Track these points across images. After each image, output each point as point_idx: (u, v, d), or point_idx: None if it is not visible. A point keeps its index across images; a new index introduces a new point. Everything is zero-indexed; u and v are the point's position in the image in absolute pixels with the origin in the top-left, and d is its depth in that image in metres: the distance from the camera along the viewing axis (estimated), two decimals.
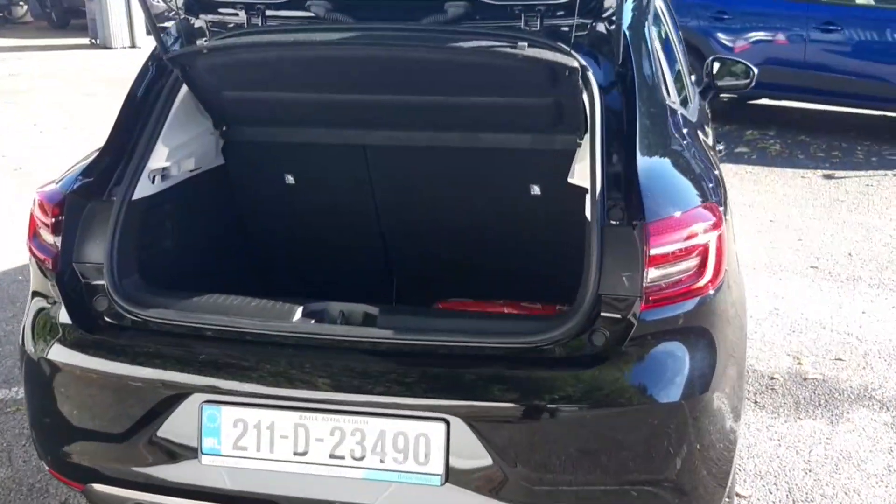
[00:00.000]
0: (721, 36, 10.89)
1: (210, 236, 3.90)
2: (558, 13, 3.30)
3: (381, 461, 2.90)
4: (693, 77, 5.38)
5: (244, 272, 4.19)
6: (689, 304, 2.92)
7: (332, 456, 2.92)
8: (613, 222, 2.94)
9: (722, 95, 8.03)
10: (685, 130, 3.59)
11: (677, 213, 2.94)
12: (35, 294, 3.35)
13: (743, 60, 5.89)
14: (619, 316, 2.88)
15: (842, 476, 4.23)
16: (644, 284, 2.85)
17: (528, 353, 2.90)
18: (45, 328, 3.24)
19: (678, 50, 5.00)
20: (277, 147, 3.83)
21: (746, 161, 9.42)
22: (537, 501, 2.90)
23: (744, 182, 8.63)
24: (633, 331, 2.85)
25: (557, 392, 2.83)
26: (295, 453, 2.94)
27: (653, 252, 2.86)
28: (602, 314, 2.88)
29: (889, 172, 9.06)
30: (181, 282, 3.57)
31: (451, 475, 2.87)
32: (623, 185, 3.02)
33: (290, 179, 3.93)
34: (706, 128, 4.79)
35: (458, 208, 3.88)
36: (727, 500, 3.25)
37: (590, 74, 3.17)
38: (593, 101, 3.15)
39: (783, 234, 7.43)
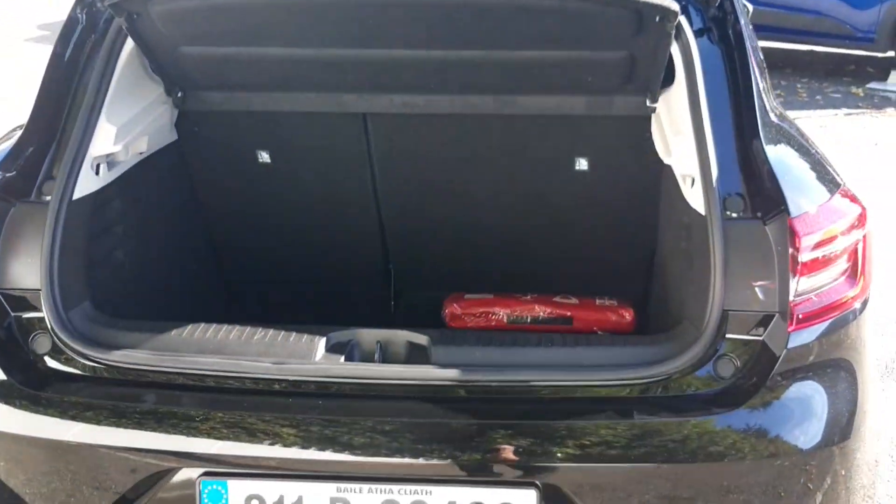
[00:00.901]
0: None
1: (168, 236, 3.05)
2: None
3: None
4: None
5: (211, 275, 3.37)
6: (837, 322, 2.27)
7: None
8: (732, 214, 2.26)
9: None
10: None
11: (818, 205, 2.29)
12: None
13: None
14: (750, 338, 2.22)
15: None
16: (791, 297, 2.18)
17: (639, 391, 2.20)
18: None
19: None
20: (248, 117, 2.98)
21: None
22: None
23: None
24: (780, 359, 2.19)
25: (684, 444, 2.15)
26: None
27: (804, 256, 2.19)
28: (728, 336, 2.21)
29: (838, 112, 8.66)
30: (143, 304, 2.74)
31: None
32: (741, 167, 2.34)
33: (264, 157, 3.09)
34: None
35: (478, 187, 3.12)
36: None
37: (682, 20, 2.45)
38: (689, 55, 2.45)
39: None
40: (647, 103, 2.74)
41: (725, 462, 2.13)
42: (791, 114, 8.29)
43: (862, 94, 9.31)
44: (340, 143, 3.02)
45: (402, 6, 2.48)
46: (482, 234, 3.24)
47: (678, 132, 2.53)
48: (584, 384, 2.20)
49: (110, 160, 2.62)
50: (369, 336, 2.35)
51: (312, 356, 2.28)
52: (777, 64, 10.33)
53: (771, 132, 2.47)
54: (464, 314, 3.28)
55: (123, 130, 2.64)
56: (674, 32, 2.43)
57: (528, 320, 3.26)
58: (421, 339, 2.33)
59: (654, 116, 2.78)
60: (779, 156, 2.38)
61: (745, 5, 4.45)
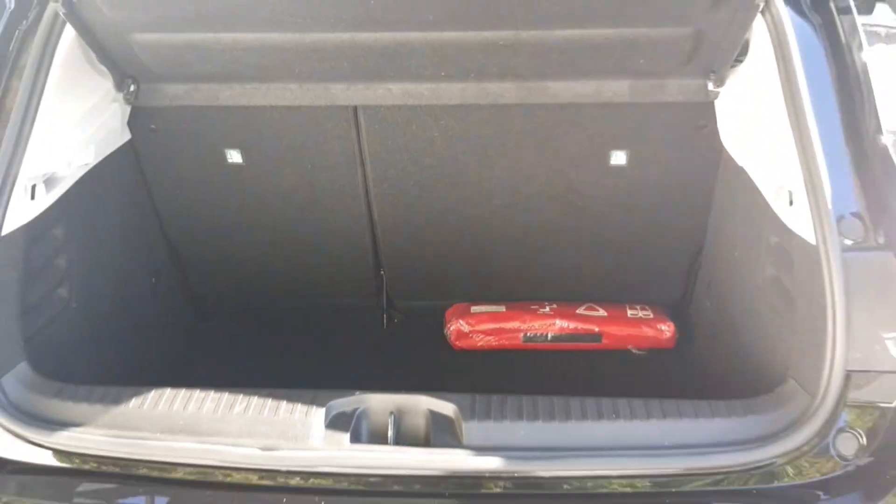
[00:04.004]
0: None
1: (123, 262, 2.54)
2: None
3: None
4: None
5: (178, 300, 2.88)
6: None
7: None
8: (847, 241, 1.80)
9: None
10: None
11: None
12: None
13: None
14: (878, 405, 1.76)
15: None
16: None
17: (737, 481, 1.75)
18: None
19: None
20: (216, 112, 2.46)
21: None
22: None
23: None
24: None
25: None
26: None
27: None
28: (851, 404, 1.76)
29: None
30: (92, 352, 2.25)
31: None
32: (859, 179, 1.86)
33: (234, 158, 2.58)
34: None
35: (488, 185, 2.64)
36: None
37: None
38: (782, 32, 1.97)
39: None
40: (710, 87, 2.27)
41: None
42: None
43: None
44: (326, 139, 2.51)
45: None
46: (491, 237, 2.76)
47: (760, 128, 2.05)
48: (669, 474, 1.74)
49: (49, 178, 2.10)
50: (380, 405, 1.88)
51: (309, 436, 1.81)
52: None
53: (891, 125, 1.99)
54: (472, 332, 2.82)
55: (65, 140, 2.14)
56: (763, 4, 1.95)
57: (549, 338, 2.81)
58: (446, 408, 1.87)
59: (719, 104, 2.31)
60: None
61: None
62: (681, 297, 2.88)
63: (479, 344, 2.82)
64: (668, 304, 2.90)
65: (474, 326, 2.83)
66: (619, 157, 2.50)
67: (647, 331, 2.80)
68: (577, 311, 2.84)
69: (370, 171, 2.59)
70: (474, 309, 2.88)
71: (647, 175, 2.54)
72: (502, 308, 2.87)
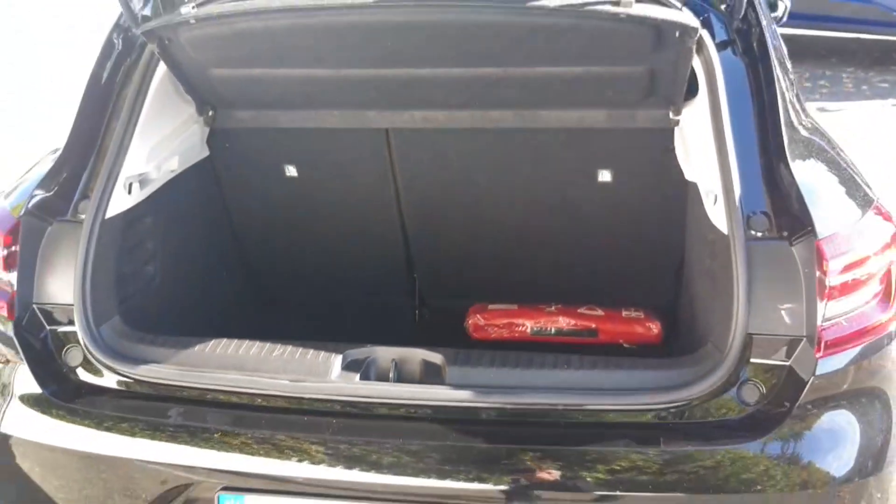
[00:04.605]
0: None
1: (199, 250, 3.13)
2: None
3: None
4: None
5: (241, 286, 3.44)
6: (869, 347, 2.24)
7: None
8: (756, 234, 2.26)
9: None
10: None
11: (848, 225, 2.25)
12: None
13: None
14: (776, 363, 2.21)
15: None
16: (819, 322, 2.16)
17: (659, 417, 2.22)
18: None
19: None
20: (276, 133, 3.06)
21: None
22: None
23: None
24: (808, 385, 2.17)
25: (708, 474, 2.14)
26: None
27: (832, 279, 2.16)
28: (752, 360, 2.21)
29: (886, 102, 8.48)
30: (170, 317, 2.82)
31: None
32: (766, 184, 2.33)
33: (290, 171, 3.16)
34: None
35: (500, 198, 3.16)
36: None
37: (703, 33, 2.46)
38: (711, 69, 2.45)
39: None
40: (671, 116, 2.75)
41: (752, 493, 2.11)
42: (836, 105, 8.06)
43: None
44: (364, 157, 3.08)
45: (421, 28, 2.52)
46: (505, 244, 3.29)
47: (701, 147, 2.53)
48: (600, 408, 2.22)
49: (143, 179, 2.70)
50: (385, 354, 2.39)
51: (328, 374, 2.33)
52: (821, 53, 10.16)
53: (798, 148, 2.45)
54: (487, 325, 3.33)
55: (156, 150, 2.73)
56: (695, 47, 2.44)
57: (553, 332, 3.29)
58: (436, 357, 2.37)
59: (677, 129, 2.79)
60: (807, 173, 2.35)
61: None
62: (672, 300, 3.35)
63: (492, 336, 3.32)
64: (663, 308, 3.36)
65: (489, 320, 3.33)
66: (605, 175, 3.00)
67: (638, 328, 3.26)
68: (578, 311, 3.33)
69: (401, 185, 3.15)
70: (491, 307, 3.39)
71: (631, 192, 3.03)
72: (515, 307, 3.38)
